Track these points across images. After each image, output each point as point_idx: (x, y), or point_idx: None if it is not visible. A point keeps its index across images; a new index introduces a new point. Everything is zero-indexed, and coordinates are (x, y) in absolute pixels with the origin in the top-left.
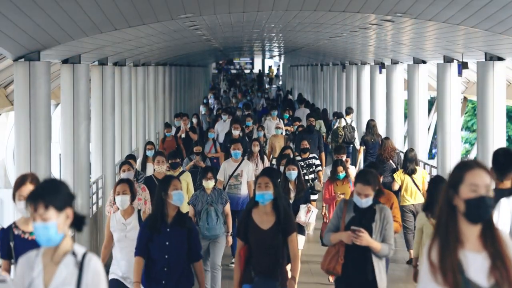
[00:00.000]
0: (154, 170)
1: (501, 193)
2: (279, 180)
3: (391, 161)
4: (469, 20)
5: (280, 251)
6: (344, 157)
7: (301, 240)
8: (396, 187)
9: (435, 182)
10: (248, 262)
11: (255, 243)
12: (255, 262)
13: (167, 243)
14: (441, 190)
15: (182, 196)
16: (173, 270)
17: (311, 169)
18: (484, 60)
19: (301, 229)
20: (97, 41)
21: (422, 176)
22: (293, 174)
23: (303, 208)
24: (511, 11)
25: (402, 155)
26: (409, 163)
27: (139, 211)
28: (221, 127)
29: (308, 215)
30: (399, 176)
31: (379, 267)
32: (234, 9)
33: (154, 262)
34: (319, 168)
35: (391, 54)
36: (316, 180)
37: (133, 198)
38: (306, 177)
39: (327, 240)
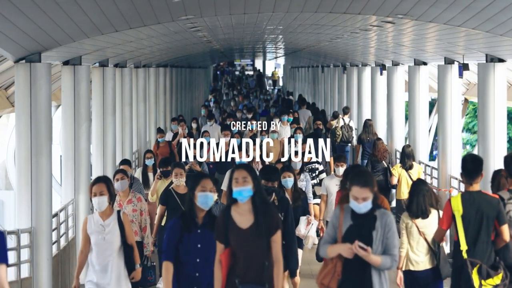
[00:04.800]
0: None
1: (469, 195)
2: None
3: (383, 161)
4: (470, 21)
5: (265, 253)
6: (344, 166)
7: (299, 254)
8: (394, 181)
9: (416, 185)
10: (232, 269)
11: (236, 245)
12: (238, 267)
13: (198, 245)
14: (423, 193)
15: (208, 199)
16: (205, 274)
17: (314, 174)
18: (485, 61)
19: (299, 243)
20: (97, 43)
21: (418, 171)
22: (289, 181)
23: (303, 220)
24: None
25: (397, 154)
26: (407, 159)
27: (118, 211)
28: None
29: (308, 228)
30: (396, 170)
31: (380, 281)
32: (235, 10)
33: (185, 266)
34: (324, 174)
35: (392, 56)
36: (317, 185)
37: (111, 198)
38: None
39: (323, 253)
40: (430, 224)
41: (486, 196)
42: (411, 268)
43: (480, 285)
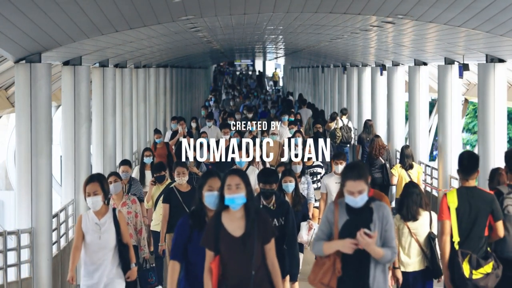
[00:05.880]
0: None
1: (466, 190)
2: (277, 184)
3: (380, 157)
4: (470, 22)
5: (256, 262)
6: (344, 164)
7: (299, 258)
8: (394, 181)
9: (407, 187)
10: (222, 278)
11: (226, 253)
12: (227, 276)
13: None
14: (413, 196)
15: (216, 199)
16: None
17: (315, 178)
18: (485, 62)
19: (300, 246)
20: (98, 43)
21: (418, 172)
22: (290, 186)
23: (304, 226)
24: None
25: (397, 154)
26: (406, 159)
27: (114, 210)
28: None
29: (310, 233)
30: (396, 170)
31: (378, 275)
32: (235, 11)
33: (194, 266)
34: (331, 172)
35: (392, 56)
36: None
37: (105, 197)
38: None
39: (318, 251)
40: (421, 225)
41: (482, 192)
42: (402, 269)
43: (471, 274)
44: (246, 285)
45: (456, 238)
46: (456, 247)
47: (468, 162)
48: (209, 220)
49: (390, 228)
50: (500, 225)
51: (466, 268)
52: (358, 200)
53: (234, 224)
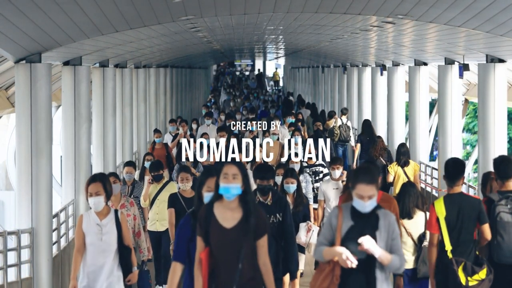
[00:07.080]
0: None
1: (451, 197)
2: (272, 180)
3: (381, 158)
4: (470, 22)
5: (245, 256)
6: (341, 169)
7: (301, 259)
8: (390, 178)
9: (405, 186)
10: (212, 271)
11: (216, 245)
12: (217, 270)
13: None
14: (410, 195)
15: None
16: None
17: (317, 177)
18: (485, 62)
19: (300, 248)
20: (98, 43)
21: (414, 169)
22: (291, 187)
23: (303, 227)
24: None
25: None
26: (402, 156)
27: (116, 211)
28: (203, 132)
29: (308, 235)
30: (392, 168)
31: (383, 285)
32: (235, 11)
33: None
34: (328, 177)
35: (392, 56)
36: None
37: (108, 197)
38: (313, 185)
39: (319, 256)
40: (415, 224)
41: (468, 197)
42: None
43: (467, 281)
44: (232, 279)
45: (449, 247)
46: (450, 255)
47: (453, 169)
48: (202, 208)
49: (397, 236)
50: (486, 227)
51: (462, 276)
52: (368, 205)
53: (226, 214)
